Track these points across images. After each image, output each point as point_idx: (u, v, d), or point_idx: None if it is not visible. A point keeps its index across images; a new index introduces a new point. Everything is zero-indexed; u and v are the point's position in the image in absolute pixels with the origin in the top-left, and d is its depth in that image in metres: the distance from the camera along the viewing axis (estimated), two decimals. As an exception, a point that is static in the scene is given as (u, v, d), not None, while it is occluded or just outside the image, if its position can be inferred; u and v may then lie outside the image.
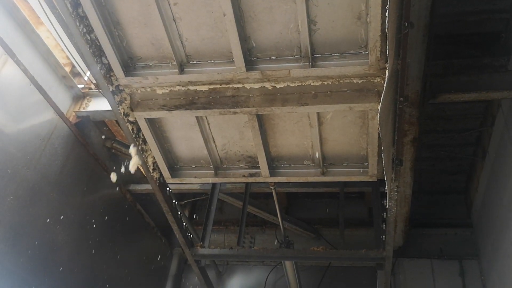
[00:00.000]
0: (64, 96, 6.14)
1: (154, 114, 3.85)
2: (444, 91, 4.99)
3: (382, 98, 2.90)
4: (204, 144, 4.22)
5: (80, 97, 6.40)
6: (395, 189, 4.18)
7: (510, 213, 6.09)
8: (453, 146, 7.69)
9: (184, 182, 4.66)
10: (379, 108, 2.96)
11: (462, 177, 8.42)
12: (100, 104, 6.33)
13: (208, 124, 4.06)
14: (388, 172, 3.72)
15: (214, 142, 4.24)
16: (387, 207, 4.32)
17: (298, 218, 8.67)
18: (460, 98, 5.01)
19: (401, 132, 3.69)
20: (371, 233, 6.79)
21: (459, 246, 8.08)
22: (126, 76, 3.56)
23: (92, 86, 6.44)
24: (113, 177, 6.78)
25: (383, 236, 5.01)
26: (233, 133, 4.11)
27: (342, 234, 7.04)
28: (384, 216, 4.71)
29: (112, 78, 3.60)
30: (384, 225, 4.86)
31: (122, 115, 3.80)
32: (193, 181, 4.61)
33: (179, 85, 3.65)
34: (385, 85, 2.87)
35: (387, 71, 2.85)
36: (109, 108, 4.03)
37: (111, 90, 3.63)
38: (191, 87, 3.68)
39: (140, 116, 3.89)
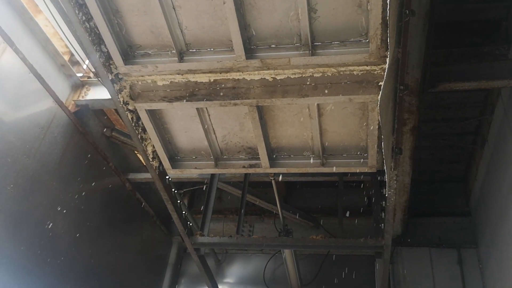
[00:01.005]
0: (63, 84, 6.12)
1: (155, 106, 3.85)
2: (444, 80, 4.98)
3: (382, 86, 2.90)
4: (204, 135, 4.22)
5: (79, 85, 6.38)
6: (394, 178, 4.19)
7: (508, 202, 6.11)
8: (452, 135, 7.70)
9: (184, 174, 4.67)
10: (379, 97, 2.95)
11: (461, 166, 8.43)
12: (99, 93, 6.32)
13: (209, 115, 4.06)
14: (388, 161, 3.72)
15: (214, 133, 4.24)
16: (386, 195, 4.34)
17: (297, 207, 8.70)
18: (460, 87, 5.00)
19: (401, 121, 3.69)
20: (370, 222, 6.81)
21: (457, 235, 8.11)
22: (125, 64, 3.54)
23: (91, 75, 6.42)
24: None
25: (382, 224, 5.03)
26: (234, 124, 4.11)
27: (341, 223, 7.08)
28: (383, 205, 4.73)
29: (111, 66, 3.59)
30: (383, 214, 4.88)
31: (122, 103, 3.79)
32: (193, 172, 4.62)
33: (178, 74, 3.63)
34: (385, 73, 2.87)
35: (387, 59, 2.85)
36: (108, 96, 4.01)
37: (110, 78, 3.62)
38: (192, 79, 3.67)
39: (141, 107, 3.88)
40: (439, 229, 8.26)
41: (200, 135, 4.24)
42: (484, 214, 7.41)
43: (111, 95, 3.79)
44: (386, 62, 3.06)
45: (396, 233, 7.85)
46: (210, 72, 3.58)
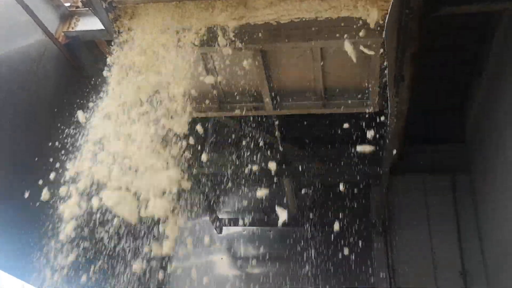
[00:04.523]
0: (52, 15, 5.91)
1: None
2: (446, 3, 4.81)
3: (389, 9, 2.83)
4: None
5: (68, 16, 6.16)
6: (395, 106, 4.20)
7: (504, 130, 6.14)
8: (449, 62, 7.58)
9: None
10: (386, 21, 2.88)
11: (456, 94, 8.37)
12: (89, 24, 6.09)
13: (213, 60, 4.02)
14: (391, 88, 3.71)
15: (218, 76, 4.24)
16: (387, 123, 4.37)
17: (294, 137, 8.67)
18: (463, 11, 4.83)
19: (403, 48, 3.63)
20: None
21: (451, 162, 8.17)
22: (119, -10, 3.41)
23: (79, 4, 6.17)
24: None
25: (381, 152, 5.09)
26: (238, 68, 4.09)
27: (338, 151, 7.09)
28: (382, 133, 4.76)
29: (104, -7, 3.45)
30: (382, 141, 4.92)
31: (117, 33, 3.69)
32: (197, 115, 4.61)
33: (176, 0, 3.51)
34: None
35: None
36: (99, 27, 3.89)
37: (104, 6, 3.50)
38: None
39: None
40: (433, 156, 8.31)
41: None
42: (479, 142, 7.45)
43: (105, 25, 3.69)
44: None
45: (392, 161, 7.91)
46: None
